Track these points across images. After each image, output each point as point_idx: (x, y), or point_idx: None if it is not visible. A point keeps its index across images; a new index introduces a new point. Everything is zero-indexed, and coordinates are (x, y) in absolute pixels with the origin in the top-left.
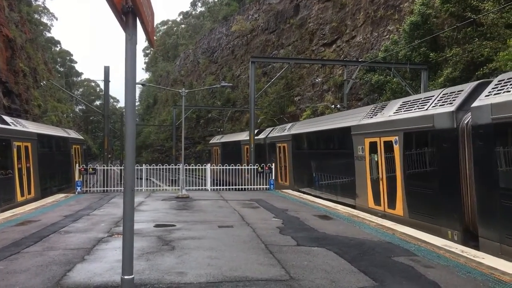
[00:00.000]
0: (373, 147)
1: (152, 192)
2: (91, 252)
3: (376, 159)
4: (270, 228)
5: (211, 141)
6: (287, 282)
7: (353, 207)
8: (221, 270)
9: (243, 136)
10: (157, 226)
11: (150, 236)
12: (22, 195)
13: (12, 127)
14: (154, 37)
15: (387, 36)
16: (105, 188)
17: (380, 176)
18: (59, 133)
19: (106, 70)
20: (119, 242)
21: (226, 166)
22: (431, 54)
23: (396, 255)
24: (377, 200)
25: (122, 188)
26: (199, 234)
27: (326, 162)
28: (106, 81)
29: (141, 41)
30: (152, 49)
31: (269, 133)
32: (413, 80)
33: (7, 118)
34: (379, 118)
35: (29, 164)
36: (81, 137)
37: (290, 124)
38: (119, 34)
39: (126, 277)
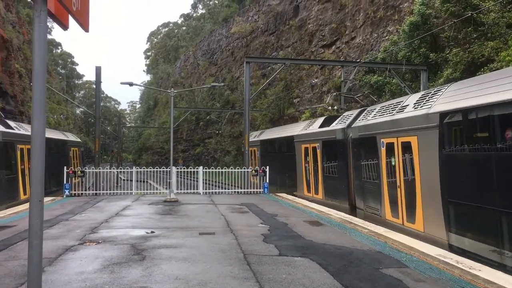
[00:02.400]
0: None
1: (141, 196)
2: (54, 263)
3: None
4: (254, 235)
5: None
6: None
7: None
8: (189, 284)
9: (299, 129)
10: (134, 233)
11: (123, 244)
12: (25, 193)
13: (16, 131)
14: (88, 19)
15: (387, 37)
16: (96, 192)
17: None
18: (58, 136)
19: (98, 71)
20: (88, 251)
21: (219, 168)
22: (431, 54)
23: (385, 266)
24: None
25: (113, 191)
26: (176, 242)
27: None
28: (98, 81)
29: (143, 42)
30: (153, 51)
31: (355, 119)
32: (412, 81)
33: (11, 123)
34: None
35: (22, 166)
36: (79, 140)
37: (417, 95)
38: (121, 36)
39: None
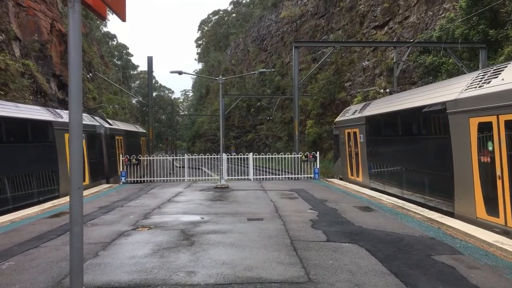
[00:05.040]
0: None
1: (193, 182)
2: (107, 248)
3: None
4: (302, 221)
5: (338, 119)
6: (303, 285)
7: None
8: (235, 269)
9: (457, 88)
10: (184, 218)
11: (173, 230)
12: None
13: (114, 126)
14: (125, 9)
15: (443, 15)
16: (151, 178)
17: None
18: (133, 129)
19: (150, 61)
20: (140, 236)
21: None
22: (490, 31)
23: (438, 253)
24: None
25: (167, 178)
26: (224, 228)
27: None
28: (150, 71)
29: (194, 31)
30: (203, 39)
31: None
32: (471, 60)
33: (109, 121)
34: None
35: (122, 151)
36: (145, 130)
37: None
38: (174, 25)
39: None
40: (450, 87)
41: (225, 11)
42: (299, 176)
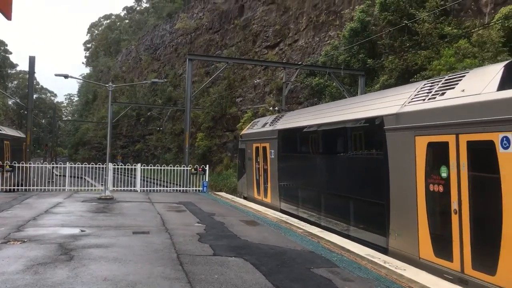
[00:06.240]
0: None
1: (75, 192)
2: None
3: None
4: (189, 234)
5: (245, 131)
6: None
7: None
8: (117, 286)
9: (399, 101)
10: (63, 231)
11: (50, 244)
12: None
13: (2, 131)
14: (11, 7)
15: (328, 41)
16: (26, 187)
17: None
18: (17, 134)
19: (32, 60)
20: (11, 251)
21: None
22: (369, 60)
23: (317, 266)
24: None
25: (45, 187)
26: (107, 242)
27: None
28: (31, 72)
29: (83, 33)
30: (93, 43)
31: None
32: (351, 85)
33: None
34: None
35: (8, 155)
36: (24, 135)
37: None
38: (61, 26)
39: None
40: (386, 99)
41: (118, 16)
42: (187, 188)
